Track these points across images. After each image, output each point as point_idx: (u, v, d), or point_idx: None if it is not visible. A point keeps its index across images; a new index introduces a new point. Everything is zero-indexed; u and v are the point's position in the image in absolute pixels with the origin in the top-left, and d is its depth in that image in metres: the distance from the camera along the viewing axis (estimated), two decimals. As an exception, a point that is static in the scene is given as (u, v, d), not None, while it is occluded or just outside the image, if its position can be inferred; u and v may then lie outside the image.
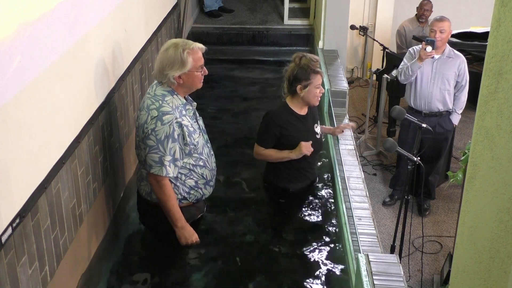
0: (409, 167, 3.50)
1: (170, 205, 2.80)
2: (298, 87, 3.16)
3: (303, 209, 3.41)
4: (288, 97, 3.27)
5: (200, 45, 2.80)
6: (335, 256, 3.05)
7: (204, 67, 2.81)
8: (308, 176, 3.40)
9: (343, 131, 3.78)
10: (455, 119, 4.85)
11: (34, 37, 2.18)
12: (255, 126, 4.72)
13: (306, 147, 3.18)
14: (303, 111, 3.27)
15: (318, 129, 3.38)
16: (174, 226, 2.85)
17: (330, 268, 2.98)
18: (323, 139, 3.64)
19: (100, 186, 3.04)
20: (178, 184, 2.86)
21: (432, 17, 6.16)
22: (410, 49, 4.87)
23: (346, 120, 4.32)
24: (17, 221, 2.02)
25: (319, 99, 3.25)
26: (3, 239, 1.92)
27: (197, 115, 2.96)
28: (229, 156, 4.17)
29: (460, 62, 4.66)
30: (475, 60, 5.85)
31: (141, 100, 2.88)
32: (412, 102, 4.82)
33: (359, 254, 2.53)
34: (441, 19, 4.60)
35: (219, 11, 7.25)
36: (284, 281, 2.94)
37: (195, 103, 2.93)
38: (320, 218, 3.35)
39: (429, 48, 4.44)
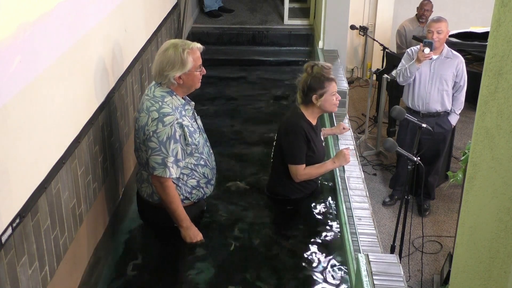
0: (409, 167, 3.50)
1: (175, 206, 2.81)
2: (314, 96, 3.10)
3: (303, 209, 3.41)
4: (302, 107, 3.19)
5: (199, 45, 2.81)
6: (335, 256, 3.05)
7: (203, 67, 2.82)
8: (315, 181, 3.39)
9: (344, 128, 3.76)
10: (454, 119, 4.85)
11: (34, 37, 2.18)
12: (254, 125, 4.73)
13: (349, 155, 3.21)
14: (315, 121, 3.24)
15: (322, 136, 3.39)
16: (179, 227, 2.86)
17: (330, 268, 2.98)
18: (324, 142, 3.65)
19: (100, 186, 3.04)
20: (180, 184, 2.86)
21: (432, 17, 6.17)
22: (408, 50, 4.87)
23: (346, 120, 4.32)
24: (17, 221, 2.02)
25: (337, 105, 3.19)
26: (3, 239, 1.92)
27: (196, 114, 2.97)
28: (229, 155, 4.17)
29: (458, 63, 4.66)
30: (475, 60, 5.85)
31: (140, 101, 2.88)
32: (410, 102, 4.82)
33: (359, 254, 2.53)
34: (438, 19, 4.59)
35: (219, 11, 7.25)
36: (284, 280, 2.94)
37: (193, 103, 2.93)
38: (320, 218, 3.35)
39: (427, 50, 4.44)
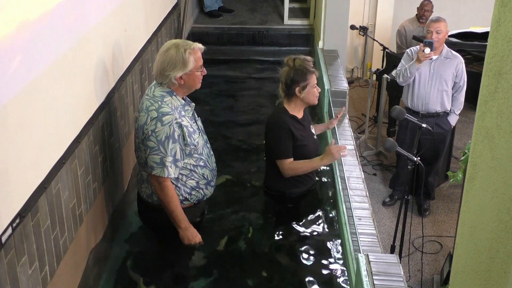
0: (409, 167, 3.50)
1: (173, 206, 2.80)
2: (297, 89, 3.14)
3: (303, 209, 3.41)
4: (285, 102, 3.22)
5: (200, 45, 2.81)
6: (335, 256, 3.05)
7: (204, 67, 2.82)
8: (312, 178, 3.38)
9: (337, 116, 3.67)
10: (453, 119, 4.85)
11: (34, 37, 2.18)
12: (254, 125, 4.73)
13: (337, 150, 3.12)
14: (300, 114, 3.25)
15: (313, 129, 3.38)
16: (177, 227, 2.84)
17: (330, 268, 2.98)
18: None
19: (100, 186, 3.04)
20: (179, 185, 2.85)
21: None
22: (407, 50, 4.87)
23: (345, 120, 4.32)
24: (17, 221, 2.02)
25: (318, 97, 3.24)
26: (3, 239, 1.92)
27: (196, 115, 2.97)
28: (229, 156, 4.17)
29: (458, 63, 4.66)
30: (475, 60, 5.85)
31: (140, 101, 2.88)
32: (409, 103, 4.82)
33: (359, 254, 2.53)
34: (437, 19, 4.60)
35: (219, 11, 7.25)
36: (284, 281, 2.94)
37: (193, 104, 2.93)
38: (320, 219, 3.35)
39: (427, 50, 4.44)
